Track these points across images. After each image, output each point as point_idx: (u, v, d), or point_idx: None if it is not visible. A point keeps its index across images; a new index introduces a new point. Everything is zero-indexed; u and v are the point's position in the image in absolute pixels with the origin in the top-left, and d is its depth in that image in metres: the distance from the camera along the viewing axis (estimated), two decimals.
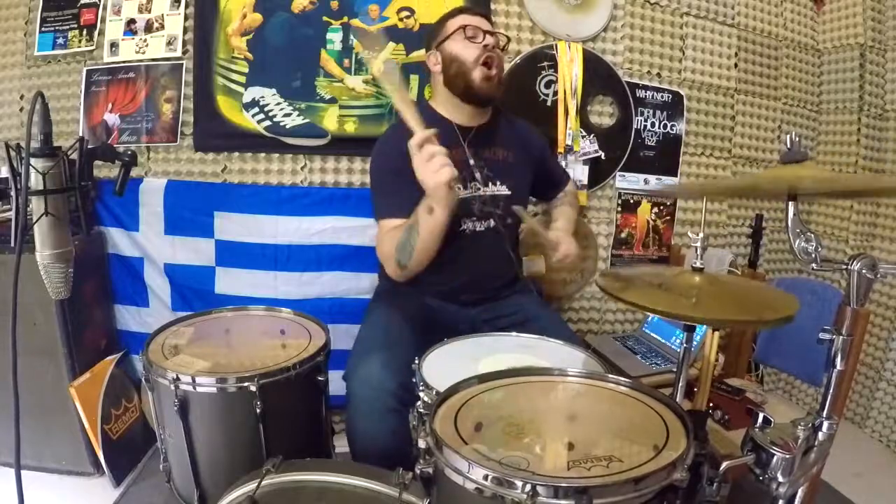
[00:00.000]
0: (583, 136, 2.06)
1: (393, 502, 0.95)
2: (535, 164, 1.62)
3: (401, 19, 1.93)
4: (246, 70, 1.90)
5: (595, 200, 2.18)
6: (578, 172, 2.06)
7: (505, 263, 1.55)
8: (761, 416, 0.89)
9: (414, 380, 1.10)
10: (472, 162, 1.49)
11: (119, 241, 1.94)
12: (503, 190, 1.52)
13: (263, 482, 0.98)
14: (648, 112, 2.16)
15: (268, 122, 1.92)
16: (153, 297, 1.98)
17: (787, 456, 0.83)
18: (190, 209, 1.93)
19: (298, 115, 1.92)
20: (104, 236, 1.93)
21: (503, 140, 1.55)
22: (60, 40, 1.94)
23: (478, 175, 1.49)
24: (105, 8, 1.91)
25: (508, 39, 1.54)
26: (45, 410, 1.70)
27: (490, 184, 1.51)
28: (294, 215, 1.94)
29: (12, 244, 1.04)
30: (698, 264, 1.01)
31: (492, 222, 1.50)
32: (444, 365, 1.16)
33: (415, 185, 1.28)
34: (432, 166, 1.19)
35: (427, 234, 1.29)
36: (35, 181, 0.98)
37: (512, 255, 1.56)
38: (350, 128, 1.95)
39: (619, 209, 2.20)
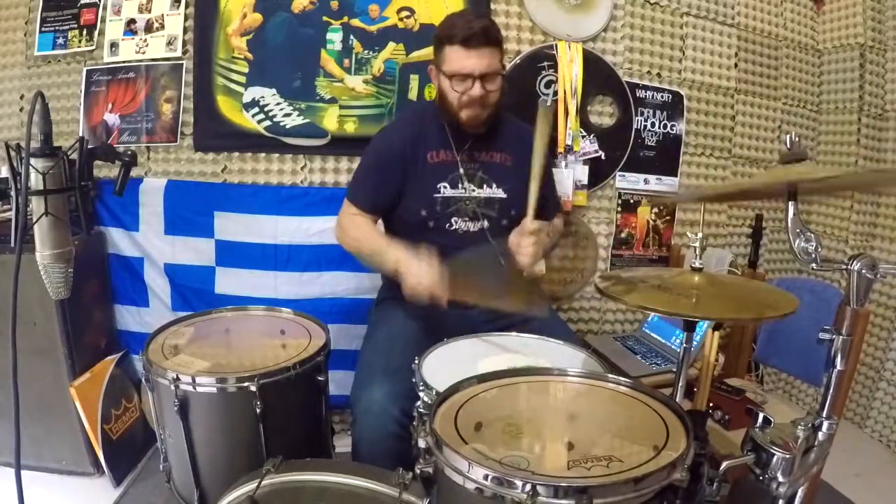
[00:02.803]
0: (583, 136, 2.06)
1: (393, 502, 0.95)
2: None
3: (401, 19, 1.93)
4: (246, 70, 1.90)
5: (595, 200, 2.17)
6: (578, 172, 2.06)
7: (499, 264, 1.54)
8: (761, 416, 0.89)
9: (417, 385, 1.10)
10: (465, 165, 1.50)
11: (119, 241, 1.94)
12: (499, 193, 1.52)
13: (263, 482, 0.99)
14: (648, 112, 2.16)
15: (268, 122, 1.92)
16: (153, 297, 1.98)
17: (787, 456, 0.83)
18: (190, 209, 1.93)
19: (298, 115, 1.92)
20: (104, 236, 1.93)
21: (502, 143, 1.55)
22: (60, 40, 1.94)
23: (471, 178, 1.50)
24: (105, 8, 1.92)
25: (504, 76, 1.49)
26: (45, 410, 1.70)
27: (486, 186, 1.51)
28: (294, 215, 1.94)
29: (12, 244, 1.04)
30: (697, 264, 1.01)
31: (486, 223, 1.51)
32: (444, 365, 1.16)
33: (396, 184, 1.47)
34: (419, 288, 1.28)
35: (372, 265, 1.52)
36: (35, 181, 0.98)
37: (502, 260, 1.55)
38: (350, 128, 1.95)
39: (619, 209, 2.20)
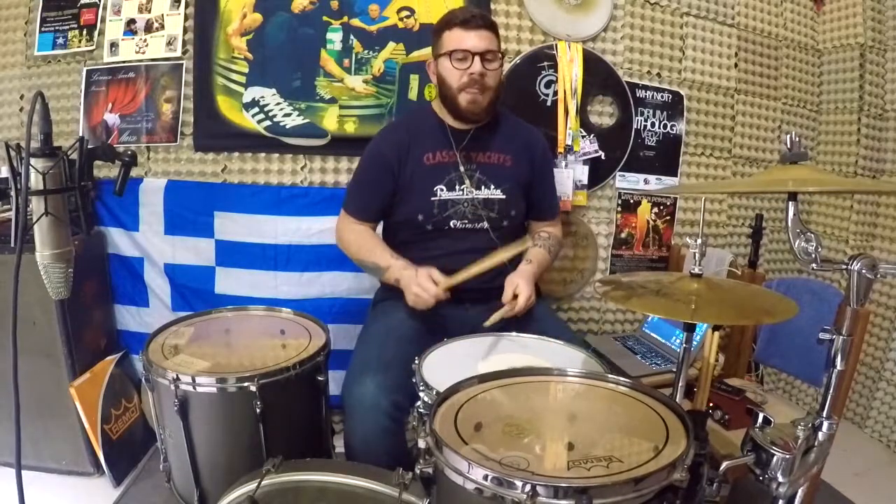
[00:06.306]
0: (583, 136, 2.06)
1: (393, 502, 0.95)
2: (534, 170, 1.60)
3: (401, 19, 1.93)
4: (246, 70, 1.90)
5: (595, 200, 2.17)
6: (578, 172, 2.06)
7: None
8: (761, 416, 0.89)
9: (418, 385, 1.10)
10: (463, 166, 1.49)
11: (119, 241, 1.94)
12: (497, 194, 1.52)
13: (263, 482, 0.99)
14: (648, 112, 2.16)
15: (268, 122, 1.92)
16: (153, 297, 1.98)
17: (787, 456, 0.83)
18: (190, 209, 1.93)
19: (298, 115, 1.92)
20: (104, 236, 1.93)
21: (501, 143, 1.55)
22: (60, 40, 1.94)
23: (468, 179, 1.50)
24: (105, 8, 1.92)
25: (503, 55, 1.51)
26: (45, 410, 1.70)
27: (483, 187, 1.51)
28: (294, 215, 1.94)
29: (12, 244, 1.04)
30: (697, 270, 1.01)
31: (485, 224, 1.50)
32: (444, 365, 1.16)
33: (385, 190, 1.49)
34: (417, 296, 1.35)
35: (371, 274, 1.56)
36: (35, 181, 0.98)
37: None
38: (350, 128, 1.95)
39: (619, 209, 2.20)
